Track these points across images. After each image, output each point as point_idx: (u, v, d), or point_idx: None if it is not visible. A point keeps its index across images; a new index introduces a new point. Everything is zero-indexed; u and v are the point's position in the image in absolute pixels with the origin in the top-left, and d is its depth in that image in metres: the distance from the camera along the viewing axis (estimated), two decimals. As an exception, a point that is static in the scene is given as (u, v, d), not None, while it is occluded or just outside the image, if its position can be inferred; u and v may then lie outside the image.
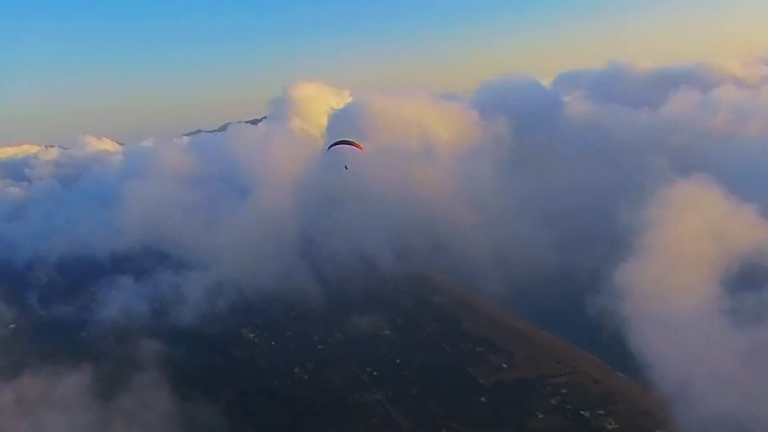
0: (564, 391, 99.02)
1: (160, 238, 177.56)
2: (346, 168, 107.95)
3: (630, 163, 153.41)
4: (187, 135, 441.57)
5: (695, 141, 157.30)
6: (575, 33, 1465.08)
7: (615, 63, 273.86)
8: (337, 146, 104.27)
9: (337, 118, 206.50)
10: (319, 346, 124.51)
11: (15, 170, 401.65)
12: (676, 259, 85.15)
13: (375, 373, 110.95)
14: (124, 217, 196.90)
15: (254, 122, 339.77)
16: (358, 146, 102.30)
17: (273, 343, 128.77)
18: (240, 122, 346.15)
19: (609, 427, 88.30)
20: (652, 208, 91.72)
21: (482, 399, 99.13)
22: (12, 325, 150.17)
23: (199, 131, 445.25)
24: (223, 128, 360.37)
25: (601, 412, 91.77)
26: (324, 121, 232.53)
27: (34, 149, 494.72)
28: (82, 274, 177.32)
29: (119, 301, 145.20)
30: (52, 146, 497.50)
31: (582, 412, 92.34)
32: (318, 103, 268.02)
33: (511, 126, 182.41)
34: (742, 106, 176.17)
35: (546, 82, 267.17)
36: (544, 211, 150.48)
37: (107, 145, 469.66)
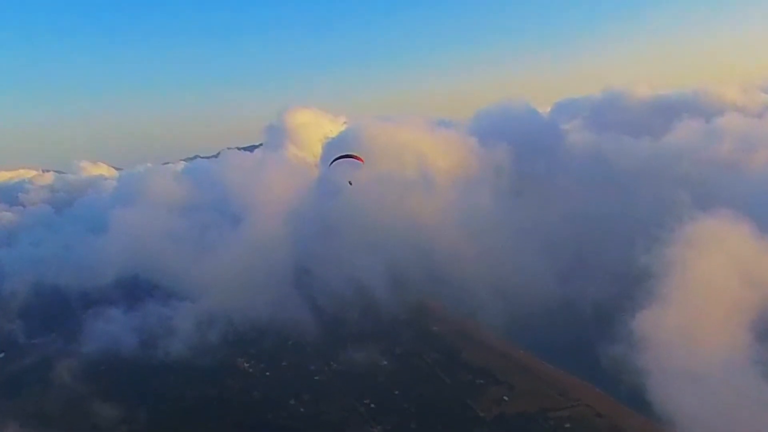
0: (567, 425, 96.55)
1: (149, 268, 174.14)
2: (350, 184, 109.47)
3: (634, 193, 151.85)
4: (185, 160, 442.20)
5: (703, 171, 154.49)
6: (565, 62, 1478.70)
7: (611, 90, 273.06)
8: (339, 161, 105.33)
9: (332, 147, 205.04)
10: (316, 377, 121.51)
11: (9, 195, 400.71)
12: (701, 304, 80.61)
13: (373, 405, 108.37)
14: (113, 246, 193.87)
15: (251, 149, 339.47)
16: (359, 159, 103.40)
17: (268, 373, 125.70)
18: (235, 149, 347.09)
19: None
20: (672, 247, 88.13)
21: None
22: (1, 354, 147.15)
23: (197, 157, 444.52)
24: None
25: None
26: (320, 148, 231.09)
27: (30, 174, 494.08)
28: (69, 304, 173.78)
29: (107, 333, 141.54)
30: (48, 171, 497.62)
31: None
32: (313, 129, 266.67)
33: (510, 154, 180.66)
34: (748, 135, 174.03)
35: (541, 110, 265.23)
36: (545, 242, 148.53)
37: (103, 170, 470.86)
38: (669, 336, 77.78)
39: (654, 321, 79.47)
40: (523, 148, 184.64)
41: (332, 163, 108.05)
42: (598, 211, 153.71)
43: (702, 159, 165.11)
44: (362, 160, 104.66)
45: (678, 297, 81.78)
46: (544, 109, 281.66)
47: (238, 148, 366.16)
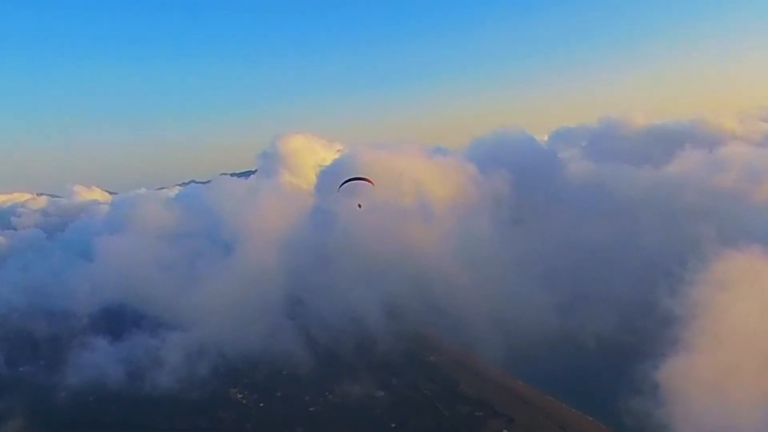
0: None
1: (137, 297, 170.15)
2: (359, 206, 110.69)
3: (637, 223, 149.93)
4: (180, 185, 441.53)
5: (709, 201, 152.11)
6: (556, 90, 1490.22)
7: (608, 119, 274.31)
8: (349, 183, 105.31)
9: (326, 175, 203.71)
10: (311, 409, 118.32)
11: (2, 218, 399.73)
12: (732, 351, 74.08)
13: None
14: (99, 274, 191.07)
15: (247, 174, 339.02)
16: (369, 181, 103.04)
17: (261, 404, 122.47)
18: (227, 174, 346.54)
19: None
20: (695, 286, 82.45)
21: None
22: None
23: (192, 182, 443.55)
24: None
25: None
26: (314, 175, 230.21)
27: (24, 197, 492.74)
28: (56, 332, 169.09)
29: (93, 364, 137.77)
30: (42, 195, 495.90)
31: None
32: (308, 156, 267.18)
33: (509, 182, 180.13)
34: (752, 165, 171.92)
35: (537, 138, 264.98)
36: (545, 272, 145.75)
37: (96, 194, 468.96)
38: (697, 388, 71.87)
39: (680, 371, 73.96)
40: (522, 176, 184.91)
41: (342, 186, 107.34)
42: (599, 242, 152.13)
43: (707, 189, 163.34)
44: (372, 183, 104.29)
45: (706, 344, 75.98)
46: (539, 138, 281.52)
47: (234, 174, 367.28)
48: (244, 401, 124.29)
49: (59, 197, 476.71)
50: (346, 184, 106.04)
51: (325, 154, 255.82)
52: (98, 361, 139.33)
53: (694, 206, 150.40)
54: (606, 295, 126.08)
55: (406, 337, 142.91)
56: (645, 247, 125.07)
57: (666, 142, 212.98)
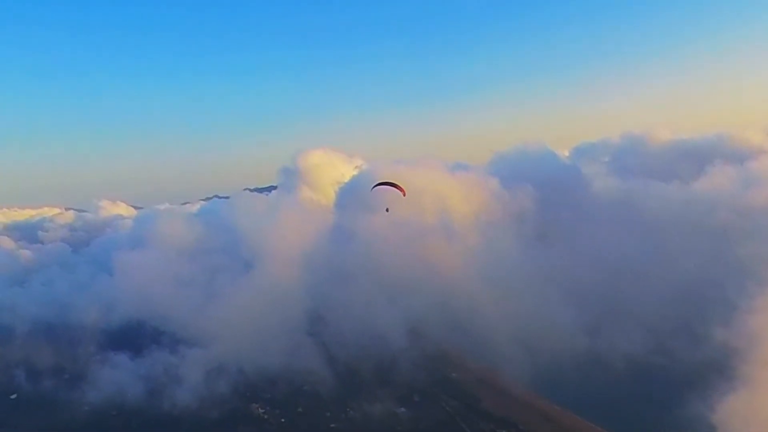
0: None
1: (157, 313, 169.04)
2: (387, 210, 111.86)
3: (667, 240, 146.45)
4: (204, 200, 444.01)
5: (743, 219, 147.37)
6: (567, 107, 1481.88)
7: (630, 135, 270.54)
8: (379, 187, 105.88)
9: (345, 192, 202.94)
10: (332, 425, 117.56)
11: (30, 232, 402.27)
12: None
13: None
14: (119, 289, 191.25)
15: (269, 189, 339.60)
16: (401, 189, 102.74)
17: (283, 420, 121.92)
18: (250, 190, 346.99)
19: None
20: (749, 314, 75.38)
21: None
22: (14, 396, 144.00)
23: (215, 197, 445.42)
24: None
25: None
26: (334, 191, 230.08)
27: (52, 212, 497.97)
28: (77, 348, 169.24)
29: (114, 380, 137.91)
30: (69, 209, 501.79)
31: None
32: (328, 171, 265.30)
33: (532, 198, 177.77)
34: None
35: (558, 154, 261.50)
36: (571, 290, 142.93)
37: (122, 209, 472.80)
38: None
39: (737, 409, 67.82)
40: (546, 192, 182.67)
41: (373, 188, 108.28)
42: (628, 259, 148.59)
43: (742, 206, 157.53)
44: (404, 192, 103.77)
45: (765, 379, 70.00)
46: (559, 153, 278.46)
47: (257, 190, 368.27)
48: (265, 416, 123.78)
49: (86, 212, 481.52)
50: (377, 187, 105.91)
51: (345, 170, 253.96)
52: (119, 377, 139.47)
53: (727, 223, 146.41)
54: (635, 314, 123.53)
55: (428, 354, 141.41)
56: (677, 265, 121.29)
57: (692, 157, 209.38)
